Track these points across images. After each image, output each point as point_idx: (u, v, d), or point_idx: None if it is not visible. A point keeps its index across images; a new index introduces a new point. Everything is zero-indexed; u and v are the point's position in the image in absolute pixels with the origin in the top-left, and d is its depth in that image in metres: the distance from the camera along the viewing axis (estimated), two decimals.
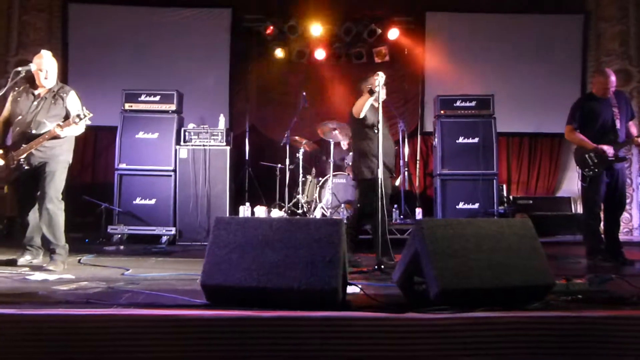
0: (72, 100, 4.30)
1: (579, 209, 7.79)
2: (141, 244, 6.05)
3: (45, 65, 4.21)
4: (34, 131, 4.11)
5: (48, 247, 4.15)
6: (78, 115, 4.05)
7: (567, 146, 8.17)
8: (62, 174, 4.22)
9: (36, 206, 4.20)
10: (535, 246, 2.81)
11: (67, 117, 4.20)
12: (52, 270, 3.92)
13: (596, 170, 4.66)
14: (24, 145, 4.08)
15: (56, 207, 4.13)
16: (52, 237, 4.11)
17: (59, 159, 4.20)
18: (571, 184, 8.06)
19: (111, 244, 5.95)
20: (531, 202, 7.53)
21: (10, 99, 4.32)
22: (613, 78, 4.73)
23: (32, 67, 4.19)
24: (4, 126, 4.33)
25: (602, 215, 4.86)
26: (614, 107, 4.71)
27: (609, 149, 4.60)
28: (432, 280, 2.57)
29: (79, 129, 4.21)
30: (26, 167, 4.10)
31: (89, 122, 4.16)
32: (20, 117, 4.19)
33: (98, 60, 7.58)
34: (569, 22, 7.89)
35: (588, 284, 3.09)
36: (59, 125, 4.06)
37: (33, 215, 4.27)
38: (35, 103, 4.20)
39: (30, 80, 4.29)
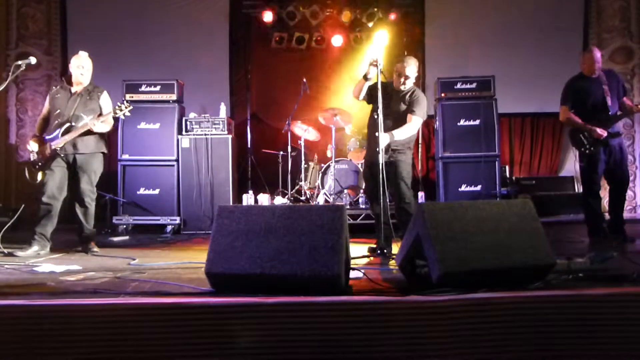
0: (105, 99, 4.64)
1: (581, 188, 7.80)
2: (146, 233, 6.10)
3: (82, 65, 4.54)
4: (72, 123, 4.41)
5: (80, 234, 4.56)
6: (119, 107, 4.49)
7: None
8: (99, 169, 4.61)
9: (61, 196, 4.48)
10: (536, 227, 2.83)
11: (100, 114, 4.55)
12: (97, 251, 4.48)
13: (592, 148, 4.68)
14: (60, 135, 4.37)
15: (91, 199, 4.55)
16: (87, 223, 4.54)
17: (96, 153, 4.55)
18: (574, 163, 8.03)
19: (116, 235, 6.00)
20: (534, 182, 7.52)
21: (48, 97, 4.67)
22: (598, 55, 4.76)
23: (32, 60, 4.27)
24: (43, 122, 4.64)
25: (600, 193, 4.88)
26: (604, 85, 4.71)
27: (602, 132, 4.61)
28: (434, 263, 2.60)
29: (109, 123, 4.56)
30: (62, 155, 4.41)
31: (128, 114, 4.57)
32: (58, 111, 4.49)
33: (97, 51, 7.44)
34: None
35: (589, 263, 3.11)
36: (97, 116, 4.45)
37: (56, 205, 4.44)
38: (72, 99, 4.50)
39: (68, 79, 4.63)
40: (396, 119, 4.27)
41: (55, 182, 4.42)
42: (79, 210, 4.50)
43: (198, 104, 7.15)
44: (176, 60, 7.50)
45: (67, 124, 4.39)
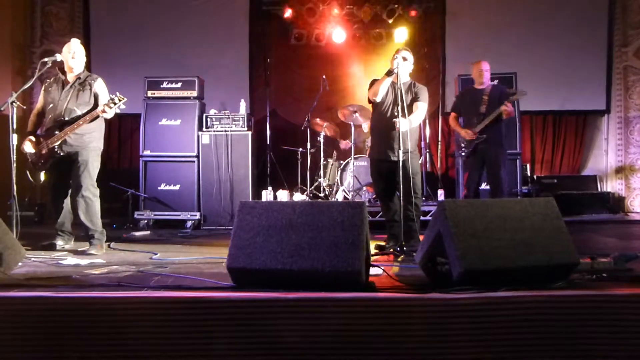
0: (100, 87, 4.36)
1: (604, 187, 7.68)
2: (167, 228, 6.17)
3: (73, 50, 4.30)
4: (66, 118, 4.20)
5: (86, 234, 4.24)
6: (112, 99, 4.10)
7: (593, 124, 8.00)
8: (95, 162, 4.31)
9: (69, 192, 4.33)
10: (558, 225, 2.80)
11: (96, 103, 4.28)
12: (94, 254, 4.09)
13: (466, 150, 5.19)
14: (57, 132, 4.17)
15: (92, 194, 4.24)
16: (90, 223, 4.21)
17: (91, 147, 4.28)
18: (597, 162, 7.92)
19: (138, 229, 6.08)
20: (556, 181, 7.43)
21: (42, 89, 4.45)
22: (480, 67, 5.22)
23: (58, 57, 4.28)
24: (37, 117, 4.44)
25: None
26: (485, 95, 5.12)
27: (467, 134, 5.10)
28: (455, 261, 2.59)
29: (108, 113, 4.22)
30: (61, 154, 4.19)
31: (123, 107, 4.18)
32: (51, 105, 4.29)
33: (119, 48, 7.67)
34: None
35: (613, 263, 3.07)
36: (104, 107, 4.11)
37: (65, 201, 4.39)
38: (65, 91, 4.28)
39: (62, 70, 4.38)
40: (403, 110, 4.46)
41: (58, 180, 4.35)
42: (80, 208, 4.17)
43: (218, 101, 7.20)
44: (197, 57, 7.55)
45: (61, 119, 4.19)
